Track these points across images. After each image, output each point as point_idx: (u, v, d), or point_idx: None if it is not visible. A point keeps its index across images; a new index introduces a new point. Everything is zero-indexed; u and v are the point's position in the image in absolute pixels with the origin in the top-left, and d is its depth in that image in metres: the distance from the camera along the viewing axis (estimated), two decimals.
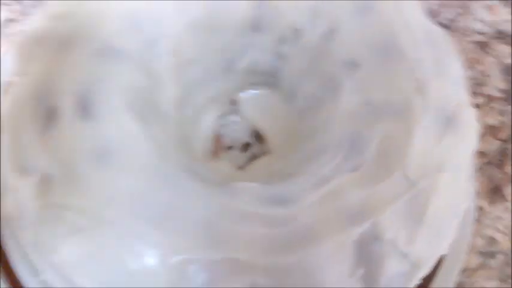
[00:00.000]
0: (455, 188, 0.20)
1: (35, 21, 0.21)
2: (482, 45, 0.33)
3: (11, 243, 0.19)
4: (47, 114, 0.18)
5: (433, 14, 0.34)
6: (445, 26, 0.33)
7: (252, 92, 0.27)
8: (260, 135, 0.27)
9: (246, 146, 0.27)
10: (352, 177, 0.19)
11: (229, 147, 0.27)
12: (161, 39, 0.22)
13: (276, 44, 0.24)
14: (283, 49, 0.24)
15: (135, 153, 0.18)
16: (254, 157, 0.27)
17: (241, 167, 0.26)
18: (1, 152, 0.18)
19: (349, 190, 0.18)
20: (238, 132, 0.27)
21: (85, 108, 0.18)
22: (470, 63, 0.32)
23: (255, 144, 0.27)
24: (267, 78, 0.26)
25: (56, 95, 0.18)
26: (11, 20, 0.33)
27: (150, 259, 0.17)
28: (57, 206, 0.17)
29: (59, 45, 0.19)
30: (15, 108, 0.18)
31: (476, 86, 0.32)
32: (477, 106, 0.31)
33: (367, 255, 0.18)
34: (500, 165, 0.30)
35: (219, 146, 0.27)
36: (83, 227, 0.17)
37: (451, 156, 0.20)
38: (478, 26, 0.34)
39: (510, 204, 0.29)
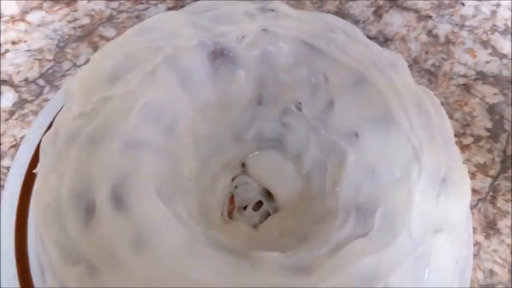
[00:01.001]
0: (454, 241, 0.22)
1: (62, 120, 0.23)
2: (467, 87, 0.36)
3: None
4: (86, 208, 0.20)
5: (418, 61, 0.36)
6: (430, 72, 0.36)
7: (260, 154, 0.29)
8: (270, 192, 0.29)
9: (258, 204, 0.29)
10: (362, 243, 0.21)
11: (244, 207, 0.29)
12: (178, 123, 0.24)
13: (279, 116, 0.26)
14: (287, 119, 0.26)
15: (167, 235, 0.20)
16: (267, 214, 0.29)
17: (255, 226, 0.28)
18: (48, 243, 0.20)
19: (360, 255, 0.20)
20: (250, 192, 0.29)
21: (119, 200, 0.20)
22: (458, 105, 0.35)
23: (266, 202, 0.29)
24: (274, 143, 0.28)
25: (92, 190, 0.20)
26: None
27: None
28: None
29: (88, 142, 0.21)
30: (59, 205, 0.20)
31: (465, 127, 0.34)
32: (466, 146, 0.33)
33: None
34: (493, 200, 0.32)
35: (233, 207, 0.29)
36: None
37: (448, 213, 0.22)
38: (462, 70, 0.36)
39: (505, 237, 0.31)
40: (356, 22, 0.39)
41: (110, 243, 0.20)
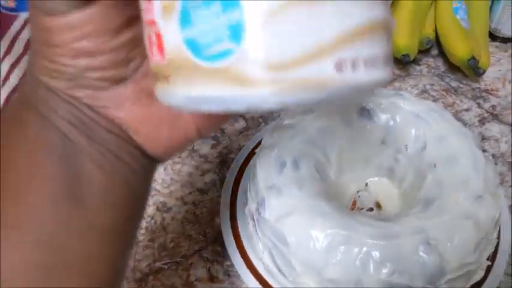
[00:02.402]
0: None
1: None
2: None
3: None
4: None
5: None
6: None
7: (377, 178, 0.47)
8: (380, 204, 0.47)
9: (370, 210, 0.47)
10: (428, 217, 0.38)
11: (361, 208, 0.47)
12: (331, 150, 0.44)
13: (394, 153, 0.45)
14: (398, 156, 0.45)
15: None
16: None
17: None
18: None
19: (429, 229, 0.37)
20: (366, 201, 0.47)
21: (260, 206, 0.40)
22: None
23: (376, 209, 0.47)
24: (387, 172, 0.46)
25: None
26: None
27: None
28: None
29: None
30: None
31: None
32: None
33: None
34: None
35: (354, 207, 0.47)
36: None
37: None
38: None
39: None
40: (464, 124, 0.56)
41: None
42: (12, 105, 0.23)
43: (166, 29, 0.17)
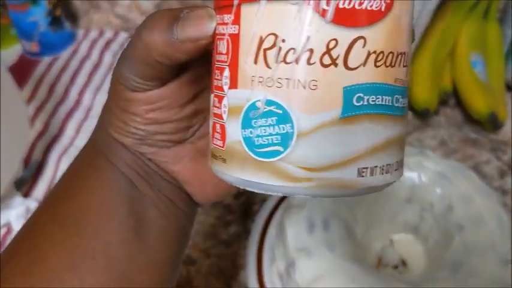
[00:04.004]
0: None
1: None
2: None
3: None
4: None
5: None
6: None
7: (402, 235, 0.48)
8: (405, 261, 0.47)
9: (395, 267, 0.47)
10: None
11: (386, 265, 0.47)
12: (357, 207, 0.44)
13: (419, 210, 0.46)
14: (423, 214, 0.45)
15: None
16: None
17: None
18: None
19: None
20: (391, 257, 0.48)
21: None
22: None
23: (401, 266, 0.47)
24: (412, 229, 0.47)
25: None
26: None
27: None
28: None
29: None
30: None
31: None
32: None
33: None
34: None
35: (380, 263, 0.48)
36: None
37: None
38: None
39: None
40: (484, 177, 0.57)
41: None
42: (85, 151, 0.27)
43: (229, 125, 0.21)
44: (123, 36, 0.73)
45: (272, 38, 0.19)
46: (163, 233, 0.26)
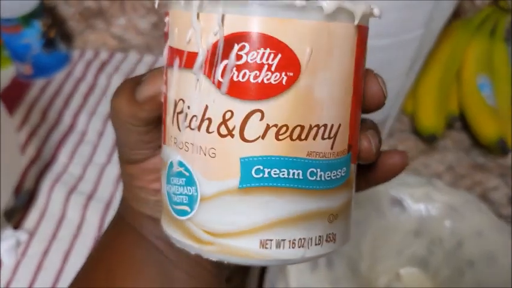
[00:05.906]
0: None
1: None
2: None
3: None
4: None
5: None
6: None
7: (409, 269, 0.46)
8: None
9: None
10: None
11: None
12: (363, 239, 0.42)
13: (428, 245, 0.43)
14: (432, 248, 0.43)
15: None
16: None
17: None
18: None
19: None
20: None
21: None
22: None
23: None
24: (420, 262, 0.45)
25: None
26: None
27: None
28: None
29: None
30: None
31: None
32: None
33: None
34: None
35: None
36: None
37: None
38: None
39: None
40: (493, 204, 0.55)
41: None
42: (116, 225, 0.28)
43: (162, 178, 0.22)
44: (118, 56, 0.72)
45: (181, 103, 0.20)
46: None
